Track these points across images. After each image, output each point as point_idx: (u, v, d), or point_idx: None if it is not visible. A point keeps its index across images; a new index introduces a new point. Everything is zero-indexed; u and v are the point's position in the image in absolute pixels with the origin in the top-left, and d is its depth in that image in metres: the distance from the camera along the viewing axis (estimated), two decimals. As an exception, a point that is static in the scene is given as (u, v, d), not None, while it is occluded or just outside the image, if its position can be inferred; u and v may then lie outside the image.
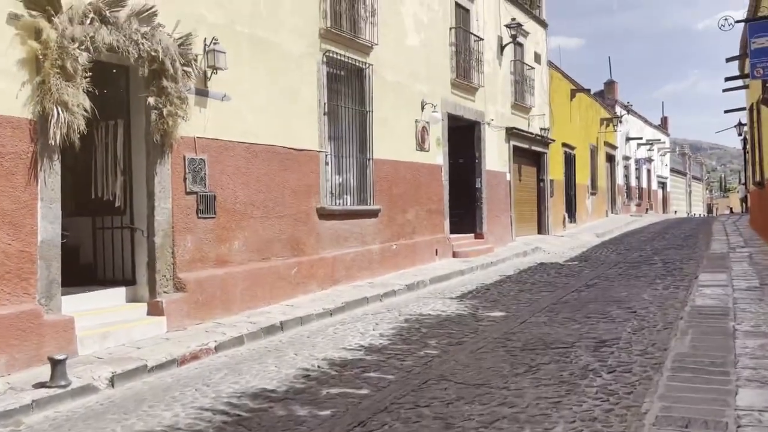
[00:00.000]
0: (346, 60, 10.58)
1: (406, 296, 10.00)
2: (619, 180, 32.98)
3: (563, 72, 22.06)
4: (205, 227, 7.80)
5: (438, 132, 13.47)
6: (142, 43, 6.69)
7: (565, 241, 18.66)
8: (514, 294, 9.77)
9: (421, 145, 12.72)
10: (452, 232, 14.93)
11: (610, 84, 32.74)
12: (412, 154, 12.46)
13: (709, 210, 60.61)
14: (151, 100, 6.95)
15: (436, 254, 13.13)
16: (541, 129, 18.60)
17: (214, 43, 7.79)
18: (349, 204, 10.83)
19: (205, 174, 7.81)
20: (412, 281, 10.63)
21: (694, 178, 58.37)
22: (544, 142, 19.22)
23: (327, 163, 10.11)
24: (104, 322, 6.72)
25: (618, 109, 31.40)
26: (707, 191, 68.98)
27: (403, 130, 12.23)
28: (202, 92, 7.83)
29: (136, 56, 6.67)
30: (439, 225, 13.43)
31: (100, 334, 6.41)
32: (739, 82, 17.08)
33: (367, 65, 11.06)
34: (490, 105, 15.97)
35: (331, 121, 10.40)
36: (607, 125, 29.30)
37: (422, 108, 12.79)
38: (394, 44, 11.93)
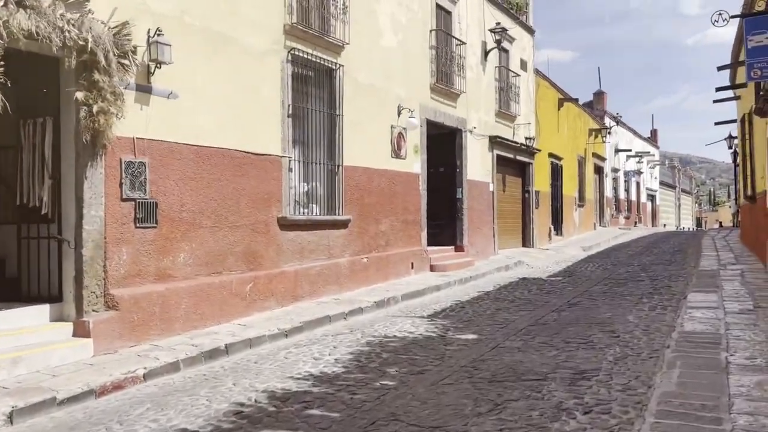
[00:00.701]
0: (314, 59, 9.87)
1: (374, 314, 9.25)
2: (608, 192, 32.41)
3: (551, 80, 21.47)
4: (144, 238, 7.04)
5: (416, 139, 12.78)
6: (69, 31, 5.95)
7: (550, 255, 17.98)
8: (491, 313, 9.05)
9: (396, 152, 12.02)
10: (431, 244, 14.23)
11: (599, 95, 32.23)
12: (387, 162, 11.76)
13: (699, 224, 60.31)
14: (79, 95, 6.19)
15: (412, 268, 12.40)
16: (527, 138, 17.96)
17: (158, 35, 7.05)
18: (316, 214, 10.10)
19: (145, 179, 7.05)
20: (383, 297, 9.88)
21: (684, 191, 58.01)
22: (530, 151, 18.58)
23: (291, 170, 9.38)
24: (19, 344, 5.94)
25: (607, 120, 30.87)
26: (696, 205, 68.71)
27: (378, 136, 11.53)
28: (144, 88, 7.09)
29: (61, 45, 5.92)
30: (416, 237, 12.71)
31: (11, 360, 5.62)
32: (730, 93, 16.53)
33: (338, 66, 10.36)
34: (473, 112, 15.31)
35: (296, 124, 9.69)
36: (596, 136, 28.73)
37: (399, 113, 12.09)
38: (368, 44, 11.24)
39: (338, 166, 10.40)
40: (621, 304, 9.44)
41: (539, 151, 19.38)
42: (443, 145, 14.73)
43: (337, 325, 8.45)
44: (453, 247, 14.63)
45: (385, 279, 11.48)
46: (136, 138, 6.98)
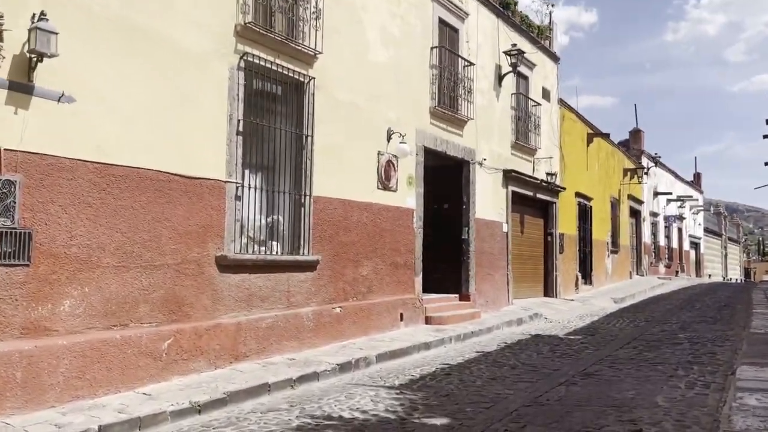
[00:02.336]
0: (277, 69, 8.29)
1: (333, 381, 7.38)
2: (646, 238, 29.98)
3: (578, 113, 19.59)
4: (7, 279, 5.39)
5: (410, 168, 11.03)
6: None
7: (575, 307, 15.81)
8: (480, 384, 7.10)
9: (384, 183, 10.27)
10: (433, 291, 12.36)
11: (635, 133, 30.09)
12: (371, 194, 10.01)
13: (747, 274, 56.61)
14: None
15: (401, 320, 10.50)
16: (549, 174, 16.03)
17: (42, 19, 5.53)
18: (277, 252, 8.37)
19: (14, 202, 5.44)
20: (350, 359, 8.01)
21: (731, 239, 54.60)
22: (553, 189, 16.63)
23: (239, 198, 7.71)
24: None
25: (644, 161, 28.69)
26: (744, 254, 64.83)
27: (360, 163, 9.83)
28: (23, 87, 5.55)
29: None
30: (408, 283, 10.84)
31: None
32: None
33: (308, 78, 8.76)
34: (484, 142, 13.54)
35: (252, 144, 8.07)
36: (632, 177, 26.57)
37: (388, 138, 10.40)
38: (350, 57, 9.64)
39: (306, 196, 8.70)
40: (650, 377, 7.38)
41: (564, 189, 17.40)
42: (447, 178, 12.97)
43: (277, 397, 6.60)
44: (457, 295, 12.69)
45: (365, 333, 9.60)
46: (5, 149, 5.40)
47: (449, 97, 12.27)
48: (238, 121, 7.68)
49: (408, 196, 10.93)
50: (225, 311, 7.39)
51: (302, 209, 8.69)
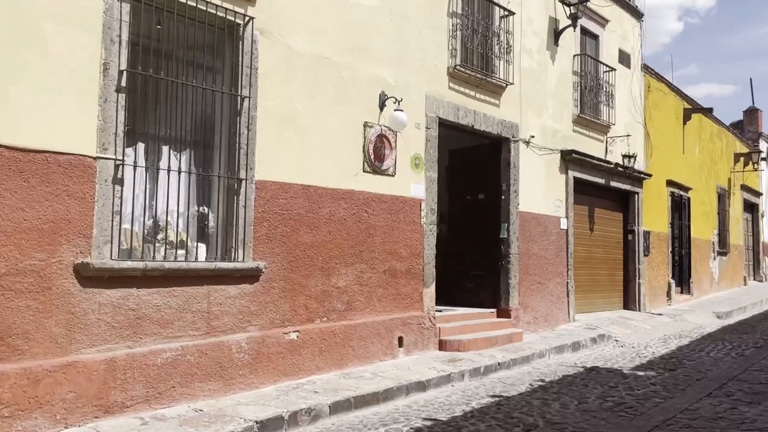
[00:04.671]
0: (193, 2, 5.99)
1: (238, 449, 4.98)
2: (766, 236, 25.41)
3: (670, 83, 16.01)
4: None
5: (418, 145, 8.43)
6: None
7: (661, 325, 12.49)
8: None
9: (374, 165, 7.74)
10: (465, 304, 9.76)
11: (752, 112, 25.51)
12: (353, 178, 7.51)
13: None
14: None
15: (400, 345, 7.92)
16: (626, 157, 12.77)
17: None
18: (196, 257, 6.08)
19: None
20: (283, 411, 5.56)
21: None
22: (634, 176, 13.34)
23: (120, 181, 5.46)
24: None
25: (763, 144, 24.19)
26: None
27: (335, 138, 7.35)
28: None
29: None
30: (412, 296, 8.24)
31: None
32: None
33: (245, 19, 6.40)
34: (532, 115, 10.64)
35: (151, 106, 5.83)
36: (746, 163, 22.31)
37: (381, 105, 7.86)
38: (319, -5, 7.20)
39: (241, 180, 6.34)
40: (742, 468, 4.43)
41: (649, 176, 14.04)
42: (481, 160, 10.24)
43: (120, 482, 4.28)
44: (494, 310, 9.91)
45: (339, 366, 7.12)
46: None
47: (479, 56, 9.52)
48: (120, 72, 5.44)
49: (413, 183, 8.31)
50: (90, 343, 5.16)
51: (236, 198, 6.34)
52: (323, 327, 7.03)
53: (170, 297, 5.71)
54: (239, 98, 6.38)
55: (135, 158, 5.78)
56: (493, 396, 6.75)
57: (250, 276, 6.37)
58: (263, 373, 6.36)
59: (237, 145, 6.37)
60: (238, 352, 6.16)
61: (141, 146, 5.88)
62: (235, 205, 6.33)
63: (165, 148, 6.07)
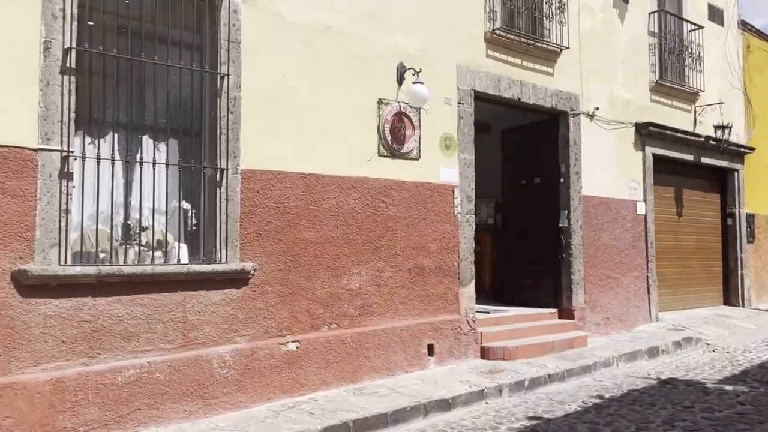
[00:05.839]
0: (154, -29, 5.26)
1: (189, 489, 4.17)
2: None
3: (777, 41, 13.76)
4: None
5: (449, 125, 7.32)
6: None
7: (766, 323, 10.60)
8: None
9: (392, 148, 6.73)
10: (523, 304, 8.58)
11: None
12: (367, 164, 6.54)
13: None
14: None
15: (430, 354, 6.87)
16: (718, 128, 10.91)
17: None
18: (177, 260, 5.36)
19: None
20: (261, 438, 4.72)
21: None
22: (731, 150, 11.45)
23: (69, 176, 4.80)
24: None
25: None
26: None
27: (343, 118, 6.40)
28: None
29: None
30: (445, 296, 7.15)
31: None
32: None
33: (221, -15, 5.60)
34: (596, 83, 9.19)
35: (119, 90, 5.15)
36: None
37: (400, 79, 6.83)
38: (316, -45, 6.28)
39: (223, 170, 5.55)
40: None
41: (752, 150, 12.06)
42: (535, 138, 8.96)
43: None
44: (555, 310, 8.62)
45: (353, 380, 6.19)
46: None
47: (524, 17, 8.24)
48: (66, 51, 4.77)
49: (442, 167, 7.21)
50: (33, 361, 4.54)
51: (217, 191, 5.56)
52: (331, 335, 6.12)
53: (135, 306, 5.00)
54: (218, 76, 5.59)
55: (98, 150, 5.13)
56: (532, 417, 5.58)
57: (237, 279, 5.57)
58: (253, 390, 5.54)
59: (218, 130, 5.59)
60: (221, 367, 5.37)
61: (112, 137, 5.20)
62: (217, 198, 5.55)
63: (140, 138, 5.39)
